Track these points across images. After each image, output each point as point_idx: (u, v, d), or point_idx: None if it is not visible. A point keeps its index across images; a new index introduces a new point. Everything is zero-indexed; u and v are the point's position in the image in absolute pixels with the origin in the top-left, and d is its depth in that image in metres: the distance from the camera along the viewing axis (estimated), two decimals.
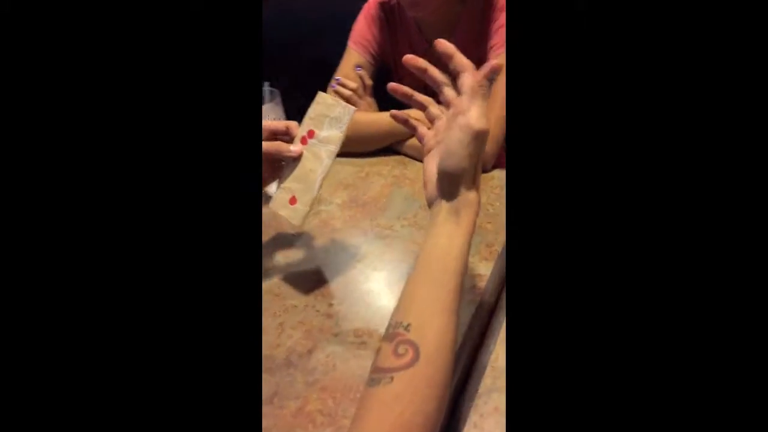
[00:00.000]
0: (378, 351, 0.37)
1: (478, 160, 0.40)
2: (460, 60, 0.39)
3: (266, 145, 0.51)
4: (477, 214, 0.40)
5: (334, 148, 0.51)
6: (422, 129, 0.48)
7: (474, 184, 0.40)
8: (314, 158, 0.52)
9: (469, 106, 0.38)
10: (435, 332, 0.35)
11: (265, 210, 0.71)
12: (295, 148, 0.52)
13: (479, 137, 0.38)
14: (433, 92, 0.44)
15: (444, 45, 0.40)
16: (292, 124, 0.53)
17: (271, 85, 0.68)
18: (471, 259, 0.53)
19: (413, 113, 0.51)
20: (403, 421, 0.31)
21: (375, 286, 0.56)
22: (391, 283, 0.56)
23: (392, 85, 0.47)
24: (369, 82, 0.84)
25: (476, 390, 0.43)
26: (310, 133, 0.52)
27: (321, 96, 0.53)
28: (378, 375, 0.34)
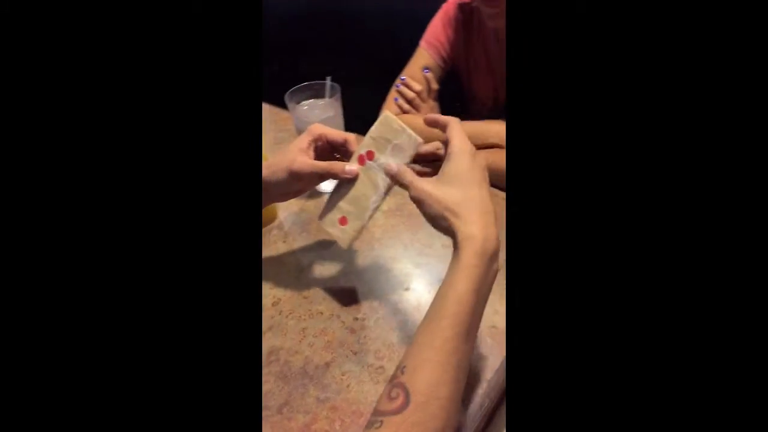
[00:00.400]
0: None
1: (480, 196, 0.39)
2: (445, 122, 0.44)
3: (320, 164, 0.48)
4: (486, 253, 0.37)
5: (388, 186, 0.48)
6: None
7: (477, 219, 0.38)
8: (370, 183, 0.49)
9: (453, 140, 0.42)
10: (426, 378, 0.34)
11: (315, 202, 0.71)
12: (350, 168, 0.48)
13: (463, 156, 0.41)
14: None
15: (432, 119, 0.46)
16: (351, 138, 0.50)
17: (332, 80, 0.66)
18: (487, 308, 0.50)
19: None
20: None
21: (403, 308, 0.54)
22: (420, 307, 0.54)
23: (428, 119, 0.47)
24: (435, 86, 0.81)
25: None
26: (370, 155, 0.48)
27: (387, 117, 0.48)
28: (373, 417, 0.34)
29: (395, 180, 0.46)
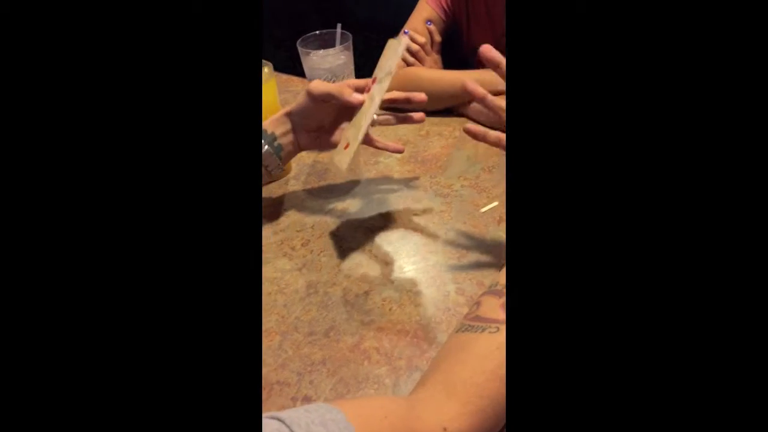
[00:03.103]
0: (478, 303, 0.37)
1: None
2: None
3: (332, 86, 0.51)
4: None
5: (386, 84, 0.50)
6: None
7: None
8: (369, 101, 0.51)
9: None
10: None
11: (327, 155, 0.71)
12: (355, 96, 0.51)
13: None
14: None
15: (489, 52, 0.45)
16: (370, 80, 0.53)
17: (342, 28, 0.67)
18: None
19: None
20: (502, 373, 0.31)
21: (433, 241, 0.55)
22: (449, 240, 0.55)
23: (484, 51, 0.46)
24: (438, 38, 0.82)
25: None
26: (373, 80, 0.51)
27: (389, 43, 0.52)
28: (482, 324, 0.34)
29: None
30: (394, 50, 0.51)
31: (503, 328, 0.33)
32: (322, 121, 0.55)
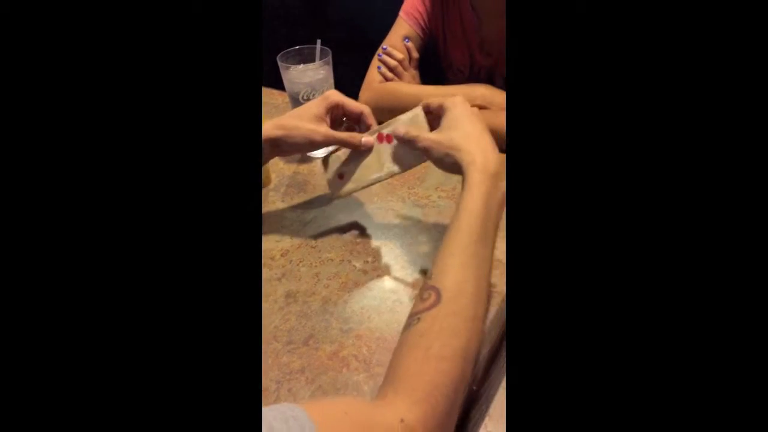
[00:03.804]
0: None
1: (475, 130, 0.46)
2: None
3: (339, 136, 0.52)
4: (487, 170, 0.42)
5: (397, 171, 0.52)
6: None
7: (475, 148, 0.44)
8: (377, 161, 0.53)
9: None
10: (452, 278, 0.38)
11: (308, 166, 0.72)
12: (367, 140, 0.52)
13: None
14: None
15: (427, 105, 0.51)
16: (367, 110, 0.54)
17: (322, 44, 0.68)
18: None
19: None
20: (430, 355, 0.34)
21: (412, 250, 0.57)
22: (427, 250, 0.57)
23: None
24: (415, 54, 0.84)
25: None
26: (389, 138, 0.52)
27: (418, 116, 0.51)
28: (409, 319, 0.37)
29: (404, 139, 0.50)
30: (412, 116, 0.51)
31: (423, 316, 0.36)
32: (309, 149, 0.56)
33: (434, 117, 0.51)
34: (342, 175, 0.55)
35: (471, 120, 0.46)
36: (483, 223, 0.40)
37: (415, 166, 0.52)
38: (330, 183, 0.56)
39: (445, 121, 0.47)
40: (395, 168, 0.53)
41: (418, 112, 0.51)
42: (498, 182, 0.43)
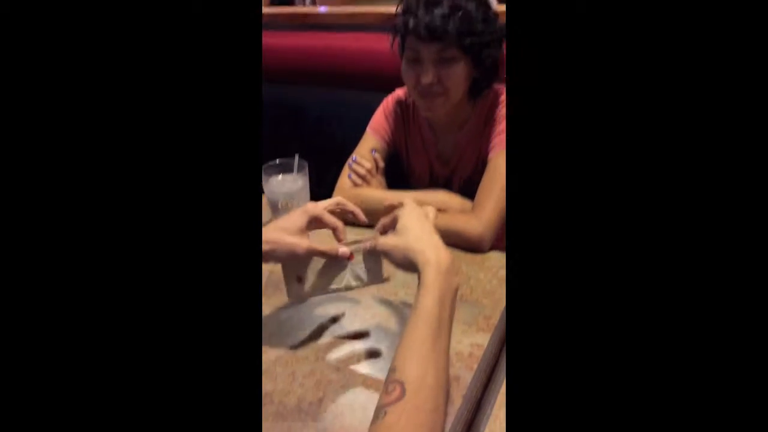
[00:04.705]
0: None
1: (426, 233, 0.53)
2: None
3: (319, 249, 0.57)
4: (441, 269, 0.48)
5: (354, 285, 0.60)
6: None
7: (428, 249, 0.50)
8: (339, 275, 0.59)
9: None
10: (414, 371, 0.42)
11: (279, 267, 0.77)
12: (343, 251, 0.58)
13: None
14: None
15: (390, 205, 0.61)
16: (341, 227, 0.60)
17: (301, 157, 0.77)
18: (468, 329, 0.60)
19: None
20: None
21: (383, 346, 0.60)
22: (394, 339, 0.61)
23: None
24: (381, 164, 0.95)
25: None
26: (351, 256, 0.58)
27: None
28: (377, 412, 0.41)
29: (368, 247, 0.58)
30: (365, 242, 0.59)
31: (389, 409, 0.40)
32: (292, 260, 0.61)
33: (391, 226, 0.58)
34: (300, 279, 0.59)
35: (420, 222, 0.54)
36: (439, 318, 0.45)
37: (369, 285, 0.59)
38: (288, 285, 0.59)
39: (399, 226, 0.54)
40: (352, 283, 0.59)
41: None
42: (451, 279, 0.48)
